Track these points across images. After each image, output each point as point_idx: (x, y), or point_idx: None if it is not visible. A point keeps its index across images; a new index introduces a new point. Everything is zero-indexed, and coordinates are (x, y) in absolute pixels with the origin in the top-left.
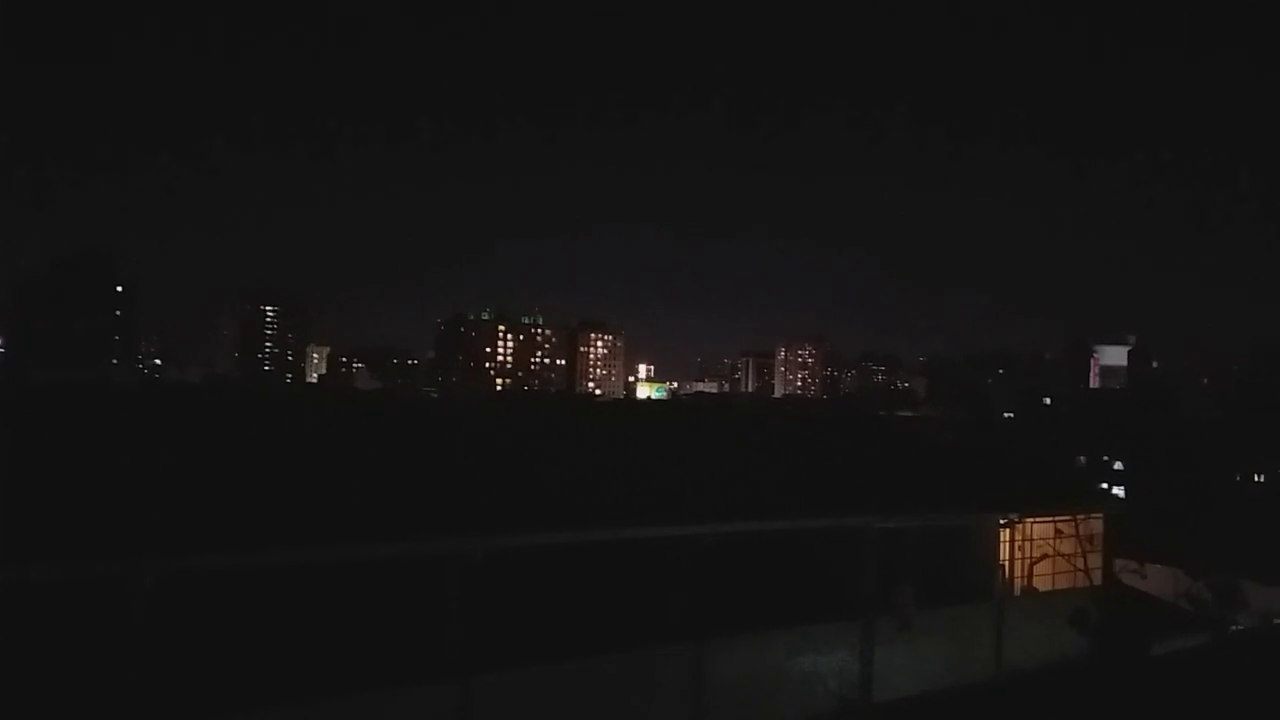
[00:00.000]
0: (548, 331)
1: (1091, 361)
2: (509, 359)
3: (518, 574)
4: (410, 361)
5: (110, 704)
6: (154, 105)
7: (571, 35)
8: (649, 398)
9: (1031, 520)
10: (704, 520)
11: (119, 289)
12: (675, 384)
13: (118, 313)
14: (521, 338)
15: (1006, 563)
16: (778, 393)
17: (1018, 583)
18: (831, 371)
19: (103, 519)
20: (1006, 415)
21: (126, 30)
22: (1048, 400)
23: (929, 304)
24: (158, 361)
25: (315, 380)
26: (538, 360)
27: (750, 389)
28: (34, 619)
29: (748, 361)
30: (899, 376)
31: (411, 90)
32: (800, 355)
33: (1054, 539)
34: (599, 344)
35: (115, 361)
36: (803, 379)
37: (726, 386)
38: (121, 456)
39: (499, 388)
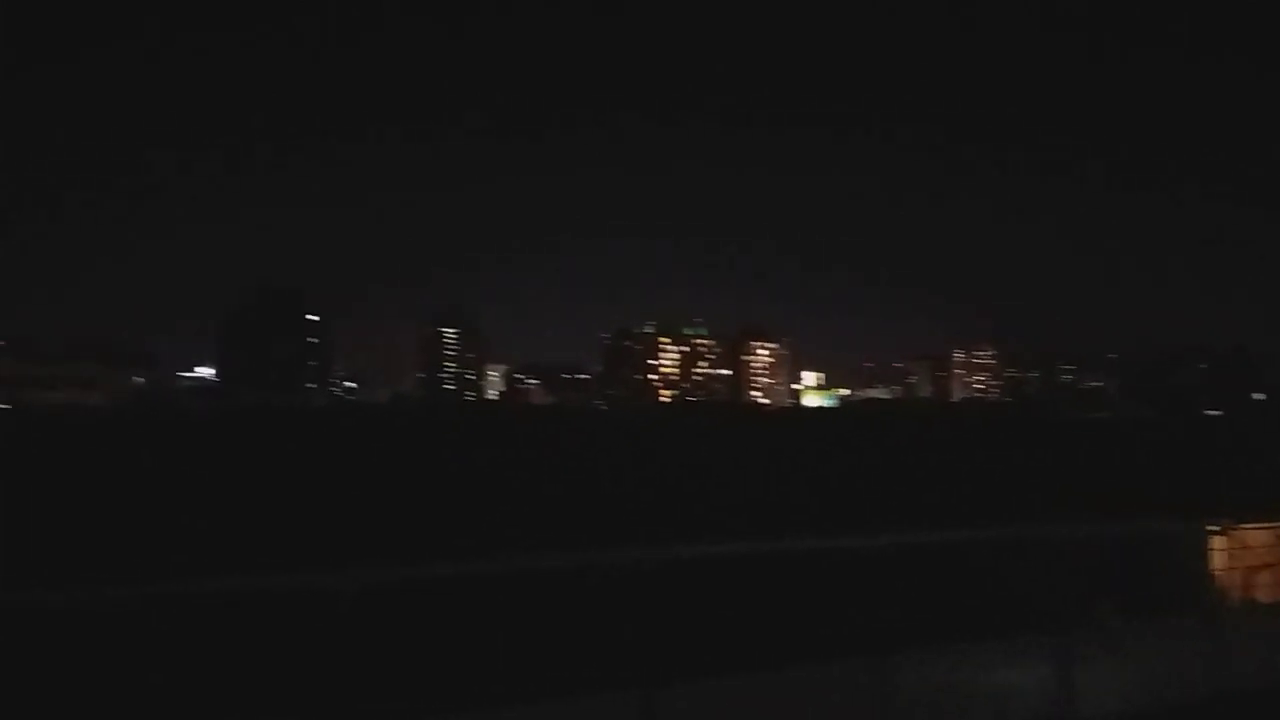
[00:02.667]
0: (710, 342)
1: None
2: (673, 371)
3: (696, 584)
4: (579, 376)
5: (307, 699)
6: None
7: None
8: (819, 406)
9: (1248, 526)
10: (884, 531)
11: (315, 318)
12: (847, 391)
13: (313, 340)
14: (685, 349)
15: (1219, 572)
16: (955, 397)
17: (1234, 594)
18: (1015, 373)
19: (304, 529)
20: (1212, 412)
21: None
22: (1260, 395)
23: (1118, 297)
24: (350, 384)
25: (495, 397)
26: (701, 371)
27: (926, 394)
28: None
29: (922, 365)
30: (1089, 376)
31: (558, 94)
32: (979, 357)
33: (1276, 546)
34: (763, 352)
35: (312, 386)
36: (982, 381)
37: (900, 391)
38: (318, 470)
39: (664, 399)
